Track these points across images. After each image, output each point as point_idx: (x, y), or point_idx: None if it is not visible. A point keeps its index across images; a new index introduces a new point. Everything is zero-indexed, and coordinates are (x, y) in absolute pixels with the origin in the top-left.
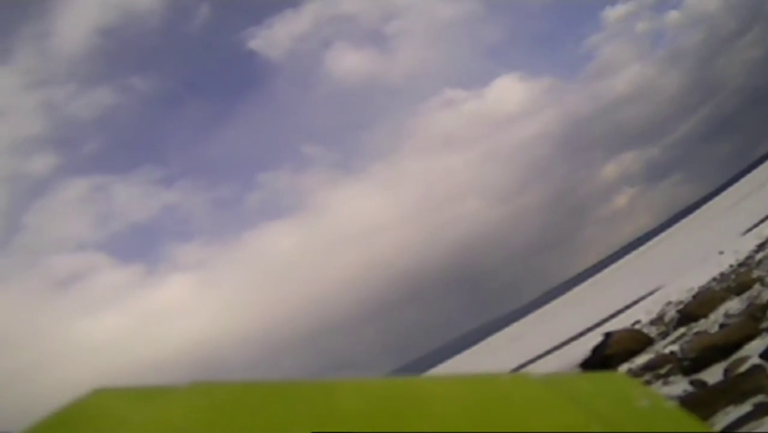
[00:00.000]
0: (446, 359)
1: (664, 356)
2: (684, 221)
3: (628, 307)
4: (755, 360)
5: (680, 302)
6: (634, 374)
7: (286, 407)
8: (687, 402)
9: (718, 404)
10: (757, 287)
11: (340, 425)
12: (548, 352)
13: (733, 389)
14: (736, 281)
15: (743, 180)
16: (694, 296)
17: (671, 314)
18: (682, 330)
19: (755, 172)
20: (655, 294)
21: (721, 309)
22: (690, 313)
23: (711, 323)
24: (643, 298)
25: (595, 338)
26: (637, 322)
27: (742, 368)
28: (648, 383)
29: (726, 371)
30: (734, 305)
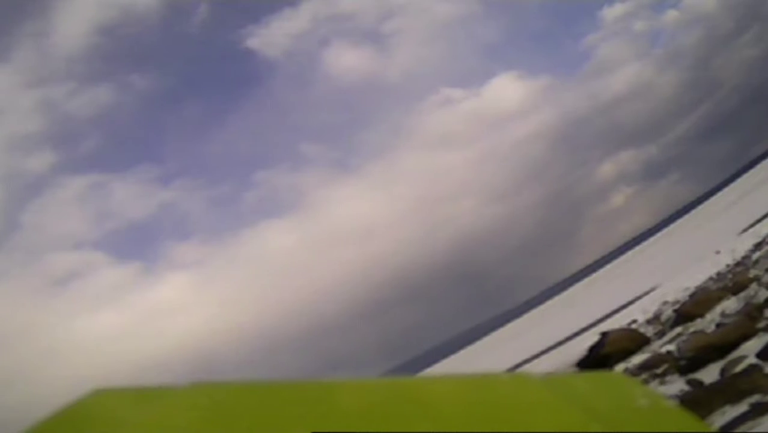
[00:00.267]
0: (443, 358)
1: (661, 355)
2: (681, 220)
3: (624, 306)
4: (752, 360)
5: (677, 302)
6: (631, 373)
7: (286, 407)
8: (684, 402)
9: (715, 404)
10: (753, 286)
11: (340, 425)
12: (545, 351)
13: (729, 389)
14: (732, 281)
15: (740, 179)
16: (691, 296)
17: (668, 313)
18: (678, 330)
19: (752, 172)
20: (652, 293)
21: (718, 309)
22: (687, 312)
23: (708, 323)
24: (639, 297)
25: (591, 338)
26: (634, 321)
27: (739, 368)
28: (644, 382)
29: (723, 370)
30: (731, 304)
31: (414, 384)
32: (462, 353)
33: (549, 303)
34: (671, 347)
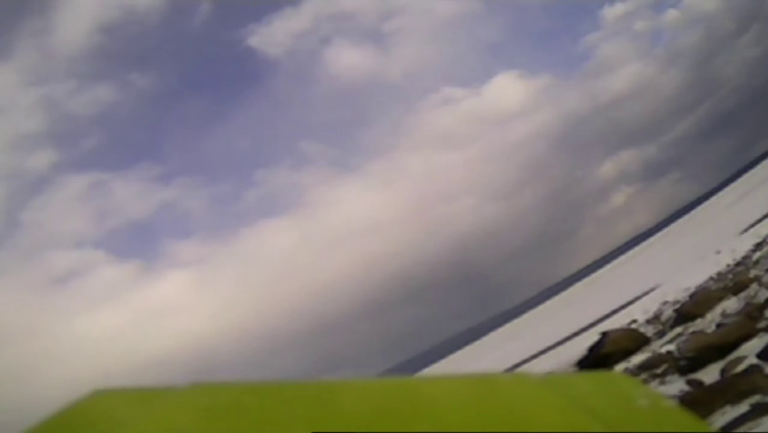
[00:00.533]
0: (443, 357)
1: (661, 355)
2: (681, 220)
3: (624, 306)
4: (752, 360)
5: (677, 302)
6: (631, 373)
7: (287, 407)
8: (684, 402)
9: (715, 404)
10: (754, 286)
11: (340, 426)
12: (544, 351)
13: (730, 389)
14: (733, 281)
15: (741, 179)
16: (691, 296)
17: (668, 313)
18: (678, 329)
19: (753, 172)
20: (652, 293)
21: (718, 308)
22: (687, 312)
23: (708, 323)
24: (639, 297)
25: (591, 337)
26: (634, 321)
27: (739, 368)
28: (644, 382)
29: (723, 370)
30: (731, 304)
31: (414, 384)
32: (462, 352)
33: (549, 303)
34: (671, 347)
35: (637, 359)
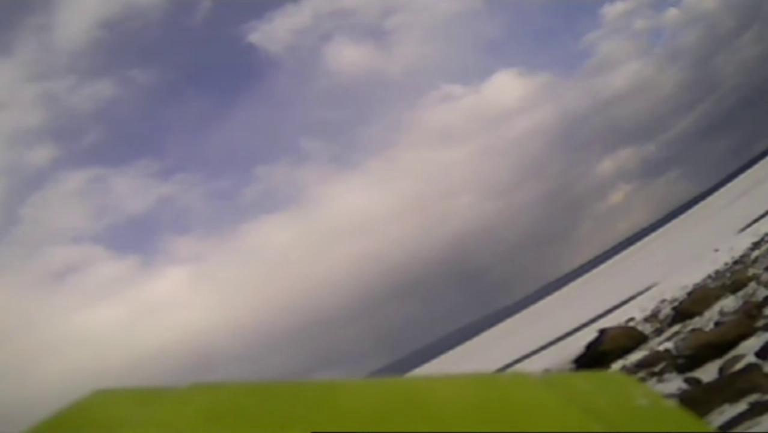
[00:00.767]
0: (440, 354)
1: (659, 353)
2: (680, 219)
3: (622, 304)
4: (751, 358)
5: (675, 300)
6: (628, 371)
7: (287, 407)
8: (682, 400)
9: (714, 403)
10: (752, 285)
11: (340, 426)
12: (542, 348)
13: (728, 388)
14: (731, 279)
15: (739, 178)
16: (689, 294)
17: (666, 311)
18: (676, 327)
19: (752, 170)
20: (650, 291)
21: (716, 307)
22: (685, 310)
23: (706, 321)
24: (637, 295)
25: (589, 335)
26: (632, 319)
27: (738, 366)
28: (642, 380)
29: (721, 369)
30: (729, 302)
31: (414, 384)
32: (459, 349)
33: (547, 300)
34: (669, 345)
35: (635, 357)
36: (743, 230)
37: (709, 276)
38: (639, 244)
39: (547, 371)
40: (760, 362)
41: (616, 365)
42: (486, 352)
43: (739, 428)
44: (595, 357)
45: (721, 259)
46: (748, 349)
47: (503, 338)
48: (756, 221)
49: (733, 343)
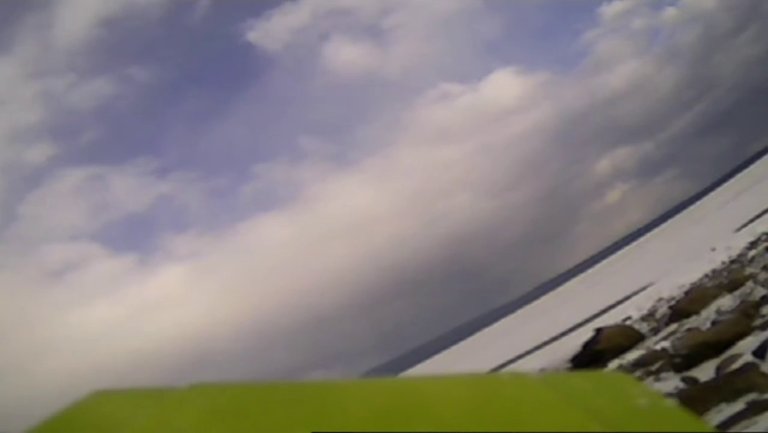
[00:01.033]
0: (437, 353)
1: (656, 352)
2: (677, 218)
3: (619, 303)
4: (748, 358)
5: (672, 299)
6: (625, 370)
7: (286, 408)
8: (679, 399)
9: (711, 402)
10: (749, 284)
11: (341, 426)
12: (539, 347)
13: (725, 387)
14: (728, 278)
15: (737, 177)
16: (686, 293)
17: (662, 310)
18: (673, 327)
19: (749, 170)
20: (647, 290)
21: (713, 306)
22: (682, 309)
23: (703, 320)
24: (634, 294)
25: (585, 334)
26: (628, 318)
27: (735, 366)
28: (639, 379)
29: (718, 368)
30: (726, 302)
31: (414, 384)
32: (456, 347)
33: (543, 299)
34: (666, 344)
35: (632, 355)
36: (740, 229)
37: (706, 275)
38: (636, 243)
39: (543, 369)
40: (757, 361)
41: (613, 364)
42: (483, 351)
43: (737, 428)
44: (591, 356)
45: (718, 258)
46: (745, 348)
47: (500, 337)
48: (753, 220)
49: (730, 342)
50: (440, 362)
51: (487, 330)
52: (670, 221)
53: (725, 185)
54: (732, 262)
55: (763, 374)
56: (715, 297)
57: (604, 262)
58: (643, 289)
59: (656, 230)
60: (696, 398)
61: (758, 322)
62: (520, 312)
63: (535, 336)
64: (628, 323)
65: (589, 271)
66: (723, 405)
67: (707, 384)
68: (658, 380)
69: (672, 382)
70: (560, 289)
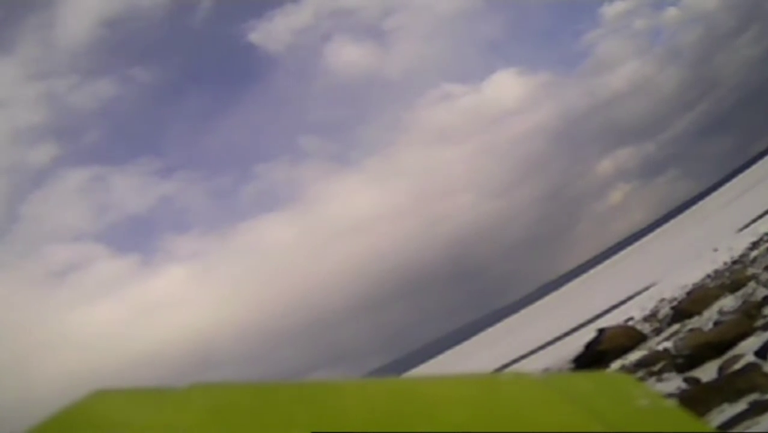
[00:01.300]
0: (439, 353)
1: (658, 352)
2: (679, 218)
3: (621, 303)
4: (750, 358)
5: (674, 299)
6: (627, 370)
7: (287, 408)
8: (681, 399)
9: (713, 402)
10: (752, 284)
11: (341, 426)
12: (541, 347)
13: (728, 387)
14: (730, 279)
15: (739, 177)
16: (688, 293)
17: (665, 310)
18: (675, 327)
19: (751, 170)
20: (649, 291)
21: (716, 306)
22: (684, 310)
23: (705, 321)
24: (636, 294)
25: (588, 334)
26: (631, 318)
27: (737, 366)
28: (641, 379)
29: (720, 368)
30: (729, 302)
31: (414, 385)
32: (459, 348)
33: (546, 299)
34: (668, 345)
35: (634, 356)
36: (742, 229)
37: (708, 276)
38: (638, 243)
39: (546, 370)
40: (759, 361)
41: (615, 365)
42: (485, 351)
43: (739, 428)
44: (594, 356)
45: (720, 258)
46: (747, 348)
47: (502, 338)
48: (755, 220)
49: (733, 342)
50: (443, 363)
51: (489, 331)
52: (672, 222)
53: (727, 186)
54: (734, 262)
55: (766, 375)
56: (717, 298)
57: (606, 262)
58: (645, 289)
59: (658, 231)
60: (698, 399)
61: (760, 322)
62: (522, 313)
63: (538, 337)
64: (630, 323)
65: (591, 271)
66: (725, 406)
67: (709, 385)
68: (660, 380)
69: (674, 382)
70: (562, 289)
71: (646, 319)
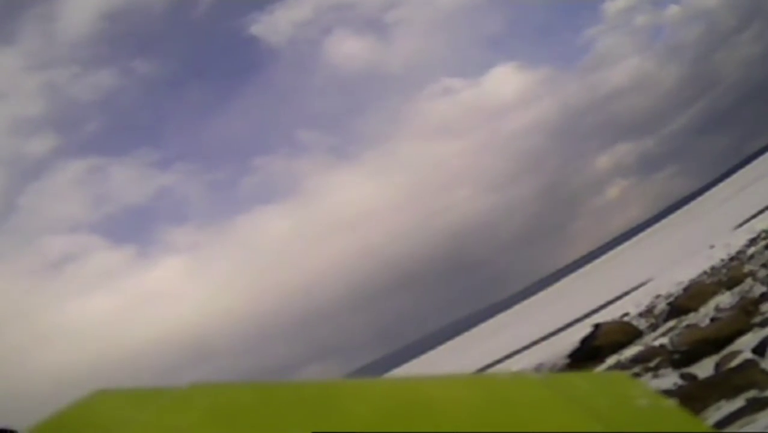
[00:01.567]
0: (434, 347)
1: (654, 348)
2: (676, 214)
3: (617, 299)
4: (747, 355)
5: (670, 295)
6: (623, 366)
7: (286, 408)
8: (678, 396)
9: (710, 399)
10: (749, 281)
11: (340, 426)
12: (536, 342)
13: (725, 384)
14: (727, 275)
15: (736, 175)
16: (685, 289)
17: (661, 306)
18: (672, 323)
19: (749, 168)
20: (645, 286)
21: (712, 303)
22: (680, 306)
23: (702, 317)
24: (632, 290)
25: (583, 330)
26: (627, 314)
27: (734, 363)
28: (637, 375)
29: (717, 365)
30: (725, 299)
31: (414, 385)
32: (453, 342)
33: (542, 294)
34: (664, 341)
35: (630, 352)
36: (739, 226)
37: (705, 272)
38: (635, 239)
39: (541, 365)
40: (756, 358)
41: (611, 360)
42: (480, 345)
43: (736, 425)
44: (589, 352)
45: (717, 255)
46: (744, 345)
47: (497, 332)
48: (752, 217)
49: (730, 339)
50: (437, 357)
51: (484, 325)
52: (669, 218)
53: (725, 182)
54: (731, 259)
55: (763, 371)
56: (714, 294)
57: (603, 258)
58: (642, 285)
59: (655, 227)
60: (695, 395)
61: (757, 319)
62: (517, 307)
63: (533, 331)
64: (626, 319)
65: (588, 267)
66: (722, 402)
67: (706, 381)
68: (656, 376)
69: (671, 378)
70: (558, 284)
71: (642, 315)
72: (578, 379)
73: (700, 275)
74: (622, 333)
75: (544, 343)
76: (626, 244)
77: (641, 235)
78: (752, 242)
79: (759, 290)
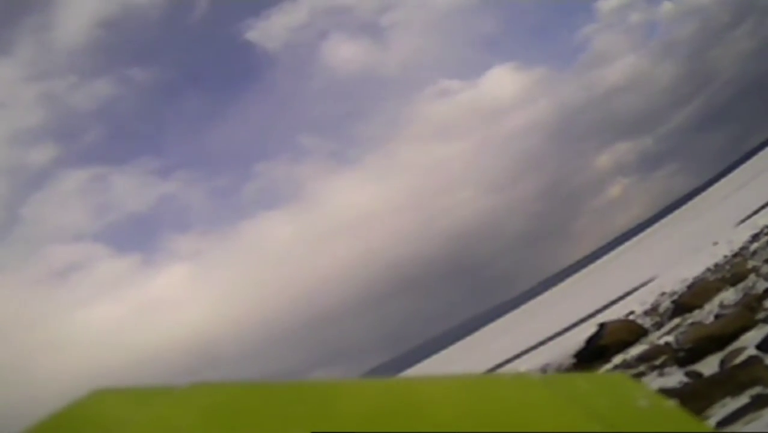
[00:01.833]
0: (440, 350)
1: (659, 346)
2: (678, 212)
3: (622, 298)
4: (752, 351)
5: (674, 293)
6: (629, 365)
7: (286, 407)
8: (683, 394)
9: (715, 396)
10: (752, 277)
11: (340, 426)
12: (542, 343)
13: (729, 381)
14: (731, 272)
15: (738, 170)
16: (689, 287)
17: (665, 304)
18: (676, 321)
19: (749, 163)
20: (649, 285)
21: (716, 300)
22: (684, 303)
23: (706, 314)
24: (637, 288)
25: (589, 329)
26: (631, 313)
27: (739, 360)
28: (642, 374)
29: (722, 362)
30: (729, 295)
31: (414, 385)
32: (459, 344)
33: (546, 294)
34: (669, 339)
35: (635, 350)
36: (742, 222)
37: (709, 269)
38: (638, 237)
39: (547, 365)
40: (761, 354)
41: (617, 359)
42: (486, 347)
43: (741, 422)
44: (595, 351)
45: (721, 252)
46: (748, 342)
47: (503, 333)
48: (755, 213)
49: (734, 336)
50: (444, 359)
51: (490, 326)
52: (671, 215)
53: (726, 178)
54: (734, 255)
55: (767, 368)
56: (717, 291)
57: (606, 257)
58: (646, 283)
59: (658, 225)
60: (700, 393)
61: (762, 315)
62: (523, 308)
63: (539, 332)
64: (631, 317)
65: (592, 266)
66: (727, 399)
67: (711, 378)
68: (661, 374)
69: (676, 376)
70: (563, 284)
71: (647, 313)
72: (578, 379)
73: (703, 272)
74: (628, 332)
75: (550, 343)
76: (629, 242)
77: (644, 233)
78: (755, 237)
79: (762, 285)
